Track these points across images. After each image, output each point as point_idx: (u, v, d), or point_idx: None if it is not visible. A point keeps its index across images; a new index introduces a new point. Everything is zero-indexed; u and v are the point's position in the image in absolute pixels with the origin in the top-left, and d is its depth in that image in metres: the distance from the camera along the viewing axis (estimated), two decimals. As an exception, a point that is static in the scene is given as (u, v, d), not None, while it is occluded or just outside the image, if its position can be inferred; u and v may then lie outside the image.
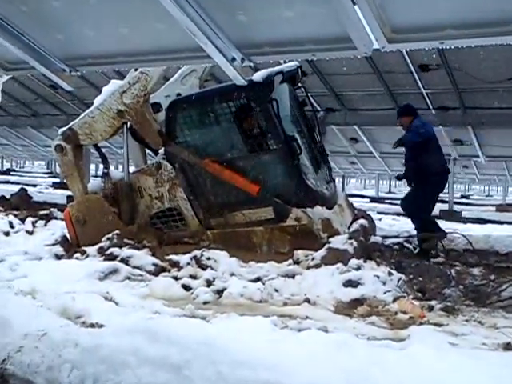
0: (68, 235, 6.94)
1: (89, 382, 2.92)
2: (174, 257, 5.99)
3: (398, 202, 8.51)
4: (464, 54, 8.65)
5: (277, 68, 6.73)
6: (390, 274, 5.37)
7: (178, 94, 7.26)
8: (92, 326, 3.82)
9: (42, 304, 4.18)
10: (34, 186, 17.18)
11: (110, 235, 6.43)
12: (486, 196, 30.81)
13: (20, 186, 12.70)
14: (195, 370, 2.78)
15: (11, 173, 28.24)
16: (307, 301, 4.92)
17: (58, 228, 7.40)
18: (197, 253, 5.97)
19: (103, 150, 8.07)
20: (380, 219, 9.49)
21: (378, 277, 5.19)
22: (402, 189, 31.61)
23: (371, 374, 2.62)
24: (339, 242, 5.87)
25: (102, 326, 3.77)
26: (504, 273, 5.97)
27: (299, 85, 7.44)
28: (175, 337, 3.03)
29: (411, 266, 6.23)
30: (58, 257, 6.47)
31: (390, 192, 24.70)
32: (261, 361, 2.76)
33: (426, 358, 2.87)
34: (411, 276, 5.74)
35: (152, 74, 6.62)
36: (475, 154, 12.45)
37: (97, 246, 6.33)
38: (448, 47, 2.70)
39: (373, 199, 17.54)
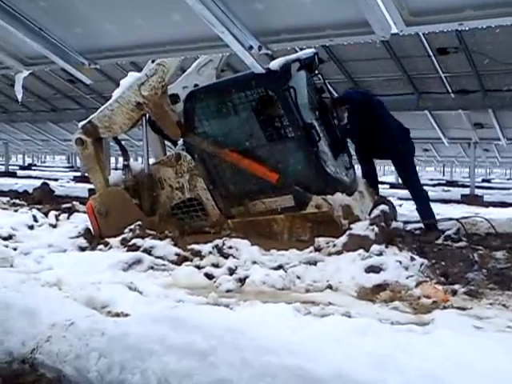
0: (91, 227, 7.02)
1: (116, 370, 2.96)
2: (195, 246, 6.03)
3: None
4: (483, 36, 8.51)
5: (293, 56, 6.71)
6: (412, 258, 5.34)
7: (196, 85, 7.28)
8: (117, 315, 3.89)
9: (68, 295, 4.26)
10: (56, 180, 17.40)
11: (132, 226, 6.50)
12: (508, 179, 30.43)
13: (42, 181, 12.85)
14: (220, 356, 2.80)
15: (33, 168, 28.63)
16: (329, 287, 4.93)
17: (81, 221, 7.49)
18: (218, 242, 6.01)
19: (122, 142, 8.13)
20: (401, 205, 9.45)
21: (400, 262, 5.17)
22: (422, 174, 31.38)
23: (396, 358, 2.63)
24: (360, 228, 5.86)
25: (127, 315, 3.83)
26: (528, 256, 5.92)
27: (316, 72, 7.40)
28: (200, 324, 3.06)
29: (433, 251, 6.21)
30: (82, 249, 6.56)
31: (410, 178, 24.42)
32: (285, 346, 2.78)
33: (450, 342, 2.87)
34: (434, 260, 5.72)
35: (169, 66, 6.63)
36: (496, 137, 12.31)
37: (119, 238, 6.40)
38: (467, 29, 2.67)
39: (393, 185, 17.42)
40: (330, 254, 5.68)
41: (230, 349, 2.82)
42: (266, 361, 2.70)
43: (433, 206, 7.72)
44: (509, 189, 18.17)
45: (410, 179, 7.79)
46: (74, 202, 9.16)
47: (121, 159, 8.53)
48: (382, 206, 6.41)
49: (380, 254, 5.38)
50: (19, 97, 4.48)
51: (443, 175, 27.50)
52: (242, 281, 5.17)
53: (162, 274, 5.46)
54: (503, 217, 7.72)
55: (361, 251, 5.43)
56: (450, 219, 7.28)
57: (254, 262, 5.57)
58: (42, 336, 3.29)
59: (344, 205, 6.36)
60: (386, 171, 33.00)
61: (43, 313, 3.52)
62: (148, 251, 5.93)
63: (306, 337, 2.92)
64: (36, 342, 3.27)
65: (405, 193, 10.88)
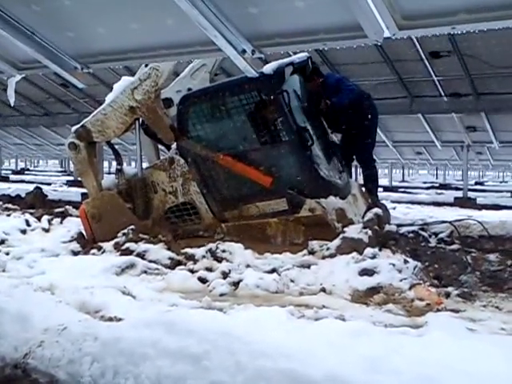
0: (84, 232, 7.00)
1: (109, 375, 2.95)
2: (189, 250, 6.02)
3: (412, 190, 8.53)
4: (475, 40, 8.56)
5: (287, 59, 6.74)
6: (405, 261, 5.34)
7: (189, 89, 7.27)
8: (111, 319, 3.86)
9: (61, 299, 4.22)
10: (49, 184, 17.31)
11: (125, 230, 6.48)
12: (501, 182, 30.58)
13: (35, 185, 12.79)
14: (214, 360, 2.80)
15: (26, 172, 28.52)
16: (323, 290, 4.93)
17: (74, 225, 7.46)
18: (212, 245, 6.00)
19: (116, 146, 8.11)
20: (394, 208, 9.46)
21: (394, 265, 5.17)
22: (416, 177, 31.49)
23: (390, 361, 2.63)
24: (354, 231, 5.86)
25: (120, 319, 3.81)
26: (521, 258, 5.94)
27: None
28: (193, 328, 3.06)
29: (427, 254, 6.22)
30: (75, 253, 6.53)
31: (403, 181, 24.62)
32: (279, 350, 2.77)
33: (444, 344, 2.87)
34: (427, 263, 5.74)
35: (162, 70, 6.64)
36: (489, 140, 12.37)
37: (113, 242, 6.38)
38: (459, 32, 2.69)
39: (386, 188, 17.47)
40: (323, 258, 5.68)
41: (223, 353, 2.82)
42: (260, 364, 2.70)
43: (426, 208, 7.75)
44: (501, 191, 18.25)
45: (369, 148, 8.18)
46: (67, 207, 9.11)
47: (114, 163, 8.50)
48: (376, 209, 6.41)
49: (373, 256, 5.39)
50: (11, 101, 4.47)
51: (436, 178, 27.60)
52: (236, 284, 5.16)
53: (155, 278, 5.45)
54: (496, 219, 7.74)
55: (354, 254, 5.43)
56: (443, 222, 7.30)
57: (248, 266, 5.56)
58: (34, 341, 3.28)
59: (337, 208, 6.37)
60: (380, 174, 33.08)
61: (36, 318, 3.50)
62: (141, 255, 5.91)
63: (299, 340, 2.92)
64: (28, 346, 3.26)
65: (398, 196, 10.92)
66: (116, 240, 6.39)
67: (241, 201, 6.63)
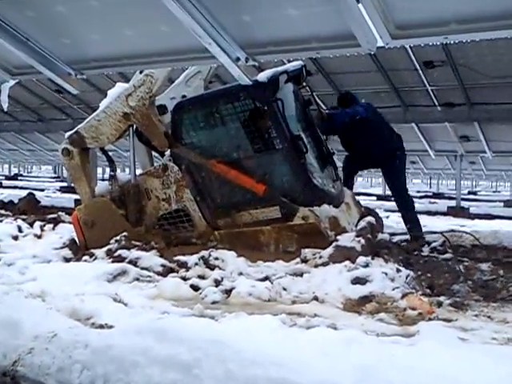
0: (76, 238, 6.97)
1: (99, 383, 2.93)
2: (181, 257, 5.99)
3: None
4: (469, 50, 8.63)
5: (281, 68, 6.75)
6: (398, 270, 5.34)
7: (183, 96, 7.28)
8: (101, 326, 3.84)
9: (52, 306, 4.19)
10: (42, 190, 17.28)
11: (117, 237, 6.44)
12: (494, 192, 30.72)
13: (28, 191, 12.75)
14: (205, 368, 2.78)
15: (19, 178, 28.44)
16: (315, 299, 4.92)
17: (66, 231, 7.42)
18: (204, 253, 5.97)
19: (110, 153, 8.10)
20: (387, 217, 9.49)
21: (386, 274, 5.16)
22: (409, 186, 31.58)
23: (382, 370, 2.62)
24: (347, 239, 5.85)
25: (111, 326, 3.78)
26: (513, 268, 5.96)
27: (304, 84, 7.43)
28: (184, 336, 3.04)
29: (419, 263, 6.23)
30: (67, 260, 6.49)
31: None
32: (271, 359, 2.76)
33: (436, 354, 2.86)
34: (419, 272, 5.74)
35: (157, 76, 6.63)
36: (482, 150, 12.44)
37: (105, 248, 6.34)
38: (452, 42, 2.71)
39: (380, 197, 17.52)
40: (316, 266, 5.66)
41: (214, 361, 2.80)
42: (251, 373, 2.69)
43: (419, 217, 7.77)
44: (494, 201, 18.33)
45: (402, 186, 8.02)
46: (60, 213, 9.09)
47: (107, 170, 8.50)
48: (369, 218, 6.42)
49: (366, 265, 5.38)
50: (5, 106, 4.46)
51: (430, 187, 27.69)
52: (228, 292, 5.14)
53: (147, 285, 5.41)
54: (488, 229, 7.76)
55: (347, 263, 5.42)
56: (434, 233, 7.31)
57: (241, 274, 5.55)
58: (24, 348, 3.25)
59: (331, 216, 6.37)
60: (374, 183, 33.17)
61: (26, 324, 3.48)
62: (133, 262, 5.87)
63: (291, 349, 2.91)
64: (18, 354, 3.23)
65: (391, 205, 10.87)
66: (108, 247, 6.35)
67: (234, 208, 6.62)
